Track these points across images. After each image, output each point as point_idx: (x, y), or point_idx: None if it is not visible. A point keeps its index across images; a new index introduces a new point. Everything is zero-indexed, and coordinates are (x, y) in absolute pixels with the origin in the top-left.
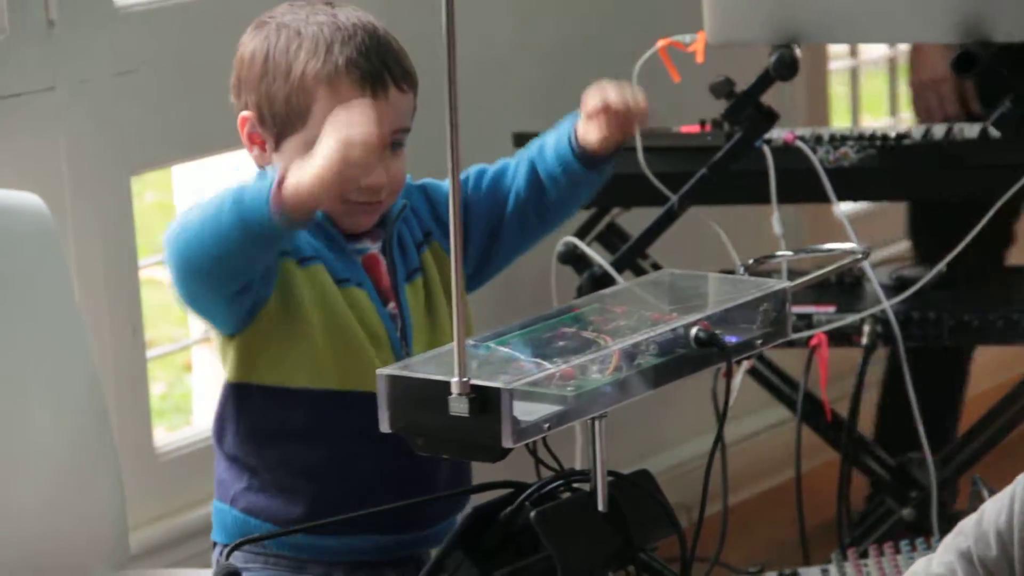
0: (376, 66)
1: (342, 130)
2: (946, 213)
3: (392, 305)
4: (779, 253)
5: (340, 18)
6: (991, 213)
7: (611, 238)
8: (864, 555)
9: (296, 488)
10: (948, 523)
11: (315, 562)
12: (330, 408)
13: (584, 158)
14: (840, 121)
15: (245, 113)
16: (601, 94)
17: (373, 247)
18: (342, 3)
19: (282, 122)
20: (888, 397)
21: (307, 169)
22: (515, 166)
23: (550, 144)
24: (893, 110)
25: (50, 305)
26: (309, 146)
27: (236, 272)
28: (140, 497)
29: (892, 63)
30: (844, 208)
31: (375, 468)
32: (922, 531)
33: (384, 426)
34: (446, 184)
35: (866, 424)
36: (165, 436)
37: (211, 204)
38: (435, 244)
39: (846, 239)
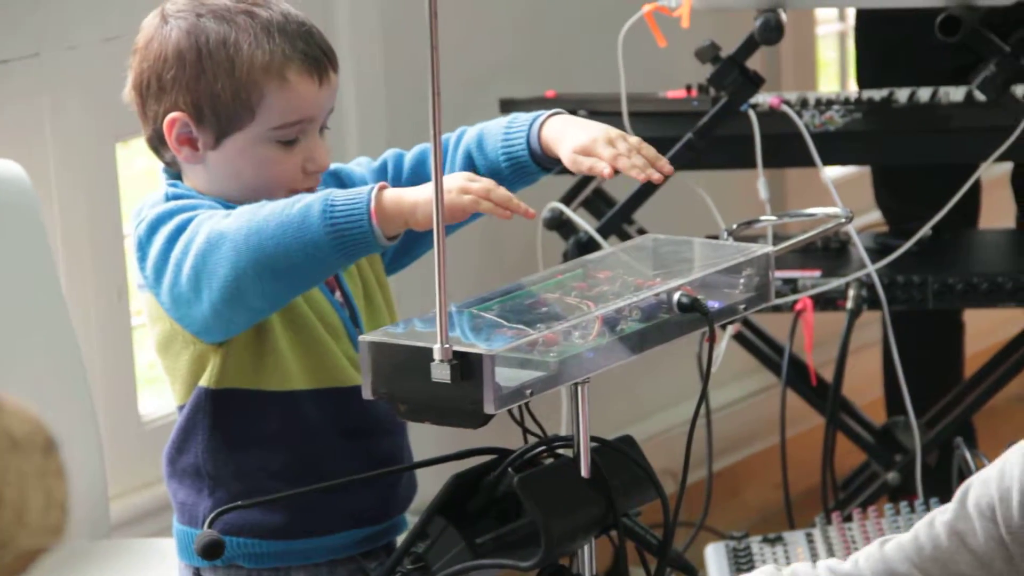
0: (317, 52)
1: (460, 180)
2: (912, 178)
3: (338, 294)
4: (763, 218)
5: (262, 7)
6: (978, 174)
7: (597, 204)
8: (848, 519)
9: (272, 494)
10: (933, 487)
11: (298, 568)
12: (300, 407)
13: (542, 160)
14: (830, 86)
15: (175, 114)
16: (602, 152)
17: None
18: None
19: (227, 119)
20: (889, 361)
21: (415, 190)
22: (450, 154)
23: (495, 136)
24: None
25: (29, 272)
26: (258, 140)
27: (311, 281)
28: (124, 465)
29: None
30: (830, 173)
31: (347, 462)
32: (907, 495)
33: (367, 393)
34: (356, 168)
35: (854, 388)
36: (151, 404)
37: (288, 210)
38: None
39: (832, 204)
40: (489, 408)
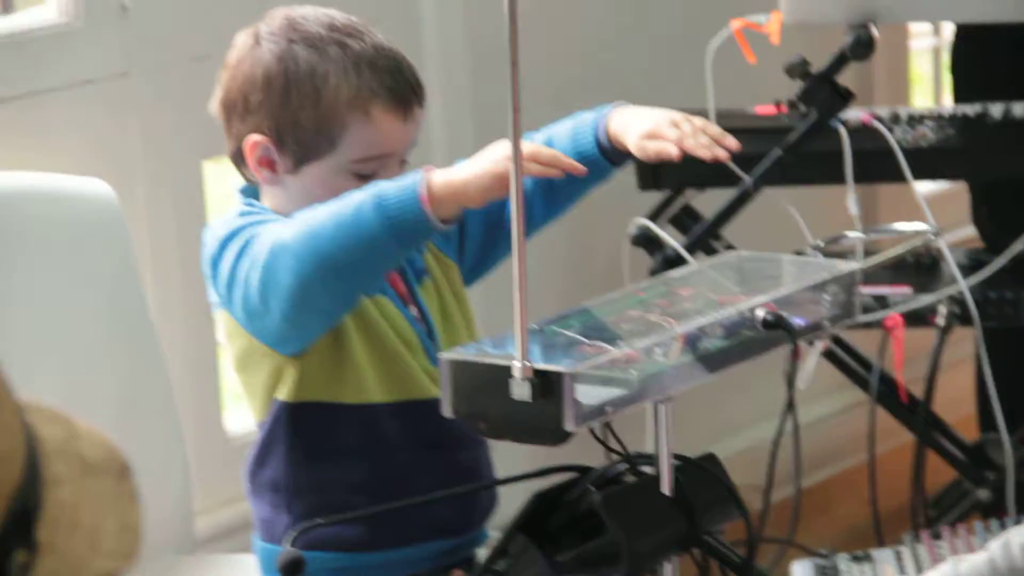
0: (404, 88)
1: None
2: (1010, 194)
3: (413, 309)
4: (848, 233)
5: (355, 39)
6: None
7: (685, 220)
8: (937, 536)
9: (351, 507)
10: None
11: None
12: (378, 420)
13: (612, 154)
14: (924, 101)
15: (257, 137)
16: (668, 134)
17: None
18: (333, 11)
19: (308, 148)
20: (982, 378)
21: (463, 168)
22: None
23: (563, 136)
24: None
25: (117, 291)
26: (337, 170)
27: (375, 276)
28: (209, 481)
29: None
30: (923, 188)
31: (426, 475)
32: (999, 512)
33: (447, 411)
34: None
35: (946, 405)
36: (237, 421)
37: (342, 210)
38: (432, 247)
39: (922, 220)
40: (569, 426)
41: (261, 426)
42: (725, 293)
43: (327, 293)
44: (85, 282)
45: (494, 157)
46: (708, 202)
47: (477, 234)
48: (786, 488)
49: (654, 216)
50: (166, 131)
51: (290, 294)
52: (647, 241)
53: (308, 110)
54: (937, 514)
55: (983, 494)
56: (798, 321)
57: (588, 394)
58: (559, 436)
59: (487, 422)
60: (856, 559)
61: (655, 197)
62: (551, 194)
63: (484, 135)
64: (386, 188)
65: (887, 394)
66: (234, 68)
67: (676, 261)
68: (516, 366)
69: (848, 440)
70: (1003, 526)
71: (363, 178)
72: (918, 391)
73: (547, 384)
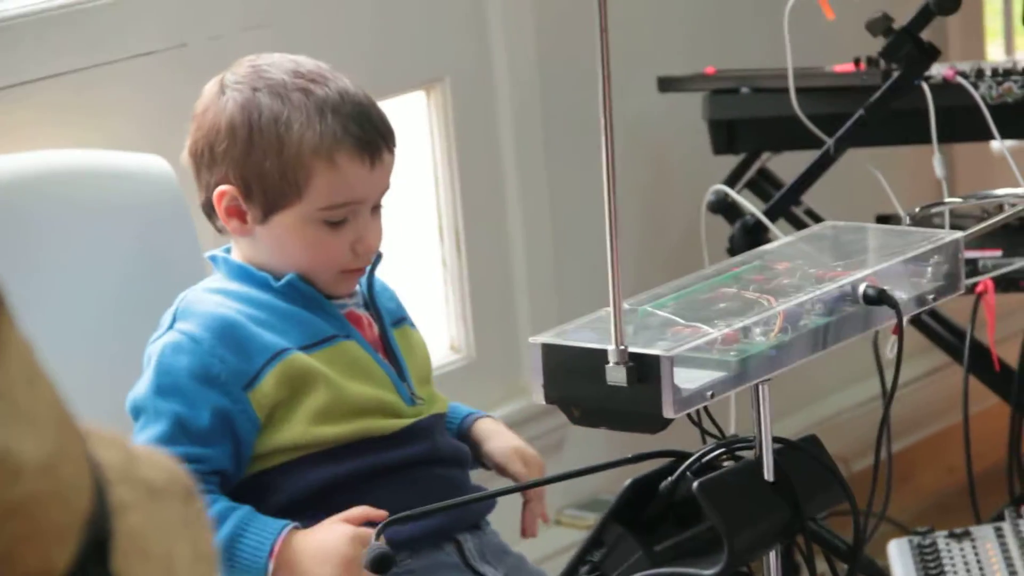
0: (370, 134)
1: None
2: None
3: (382, 355)
4: (947, 200)
5: (320, 84)
6: None
7: (762, 185)
8: None
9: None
10: None
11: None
12: (327, 464)
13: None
14: (996, 54)
15: (225, 188)
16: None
17: (351, 304)
18: (300, 57)
19: (275, 197)
20: None
21: (309, 556)
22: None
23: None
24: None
25: (180, 266)
26: (306, 219)
27: None
28: None
29: None
30: (997, 146)
31: (410, 490)
32: None
33: (538, 398)
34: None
35: None
36: None
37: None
38: (407, 328)
39: (1005, 178)
40: (668, 412)
41: None
42: (822, 267)
43: None
44: (147, 262)
45: (340, 552)
46: (786, 167)
47: None
48: (863, 458)
49: (731, 182)
50: None
51: None
52: (725, 208)
53: (272, 158)
54: None
55: None
56: (900, 295)
57: (686, 377)
58: (658, 423)
59: (580, 408)
60: (955, 536)
61: (730, 161)
62: None
63: (550, 99)
64: (246, 536)
65: (979, 363)
66: (200, 117)
67: (756, 228)
68: (611, 350)
69: (929, 406)
70: None
71: (334, 225)
72: (1002, 352)
73: (644, 368)
